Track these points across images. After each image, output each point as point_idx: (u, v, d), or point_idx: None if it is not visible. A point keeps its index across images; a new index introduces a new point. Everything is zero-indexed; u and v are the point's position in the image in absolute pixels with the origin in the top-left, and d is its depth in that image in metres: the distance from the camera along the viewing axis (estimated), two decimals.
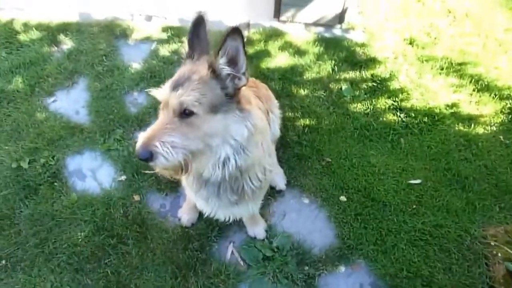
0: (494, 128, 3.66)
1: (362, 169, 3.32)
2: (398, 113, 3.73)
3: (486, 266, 2.82)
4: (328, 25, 4.62)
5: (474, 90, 3.97)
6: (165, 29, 4.47)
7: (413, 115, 3.71)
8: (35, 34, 4.33)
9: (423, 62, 4.25)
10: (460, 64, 4.22)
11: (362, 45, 4.39)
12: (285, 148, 3.41)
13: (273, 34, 4.45)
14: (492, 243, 2.88)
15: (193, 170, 1.80)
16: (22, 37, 4.31)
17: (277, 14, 4.58)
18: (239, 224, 2.95)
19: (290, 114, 3.65)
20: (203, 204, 2.29)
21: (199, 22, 1.73)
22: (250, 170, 2.01)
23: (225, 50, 1.60)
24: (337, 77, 4.03)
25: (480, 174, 3.33)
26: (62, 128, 3.52)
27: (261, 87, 2.86)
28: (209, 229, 2.92)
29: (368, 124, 3.62)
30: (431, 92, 3.94)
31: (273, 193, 3.14)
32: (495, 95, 3.91)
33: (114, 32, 4.41)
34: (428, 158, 3.43)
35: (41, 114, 3.62)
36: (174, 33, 4.42)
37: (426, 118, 3.69)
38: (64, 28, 4.42)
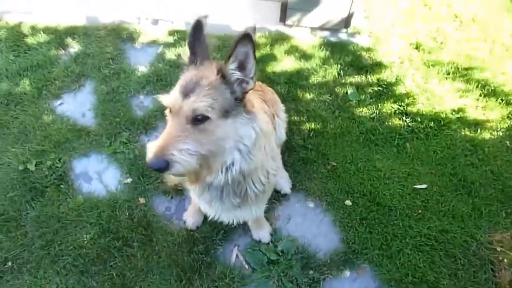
0: (501, 134, 3.64)
1: (367, 173, 3.32)
2: (404, 118, 3.72)
3: (492, 272, 2.80)
4: (334, 30, 4.62)
5: (480, 95, 3.96)
6: (171, 33, 4.49)
7: (419, 119, 3.70)
8: (42, 37, 4.36)
9: (429, 66, 4.24)
10: (466, 69, 4.21)
11: (368, 50, 4.39)
12: (290, 152, 3.41)
13: (279, 38, 4.46)
14: (498, 249, 2.87)
15: (205, 176, 1.80)
16: (30, 40, 4.34)
17: (283, 18, 4.59)
18: (244, 227, 2.95)
19: (295, 118, 3.66)
20: (206, 207, 2.29)
21: (199, 26, 1.72)
22: (253, 174, 2.01)
23: (235, 55, 1.61)
24: (343, 81, 4.03)
25: (486, 180, 3.32)
26: (68, 130, 3.54)
27: (267, 91, 2.87)
28: (214, 232, 2.93)
29: (373, 128, 3.62)
30: (437, 97, 3.93)
31: (278, 196, 3.14)
32: (502, 100, 3.90)
33: (121, 35, 4.43)
34: (434, 163, 3.42)
35: (48, 117, 3.64)
36: (180, 36, 4.43)
37: (432, 123, 3.68)
38: (72, 31, 4.45)
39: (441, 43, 4.54)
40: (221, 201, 2.10)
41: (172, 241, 2.89)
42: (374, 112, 3.77)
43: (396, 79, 4.06)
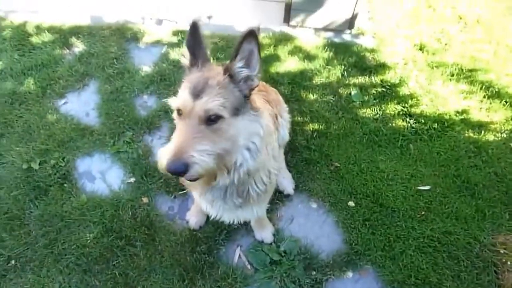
0: (505, 135, 3.63)
1: (370, 174, 3.31)
2: (408, 119, 3.71)
3: (495, 274, 2.80)
4: (338, 30, 4.61)
5: (484, 97, 3.94)
6: (175, 33, 4.50)
7: (422, 121, 3.69)
8: (47, 37, 4.38)
9: (433, 68, 4.23)
10: (470, 71, 4.19)
11: (372, 51, 4.38)
12: (293, 152, 3.41)
13: (283, 39, 4.46)
14: (502, 251, 2.86)
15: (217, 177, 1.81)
16: (35, 39, 4.36)
17: (287, 19, 4.59)
18: (246, 227, 2.96)
19: (299, 118, 3.65)
20: (208, 207, 2.29)
21: (196, 28, 1.72)
22: (256, 173, 2.01)
23: (242, 53, 1.64)
24: (346, 82, 4.03)
25: (490, 181, 3.31)
26: (72, 130, 3.56)
27: (271, 91, 2.87)
28: (216, 232, 2.93)
29: (377, 129, 3.61)
30: (441, 98, 3.92)
31: (281, 197, 3.14)
32: (506, 102, 3.88)
33: (125, 35, 4.45)
34: (438, 164, 3.41)
35: (52, 116, 3.66)
36: (184, 37, 4.37)
37: (436, 124, 3.67)
38: (76, 31, 4.46)
39: (446, 44, 4.53)
40: (223, 201, 2.10)
41: (175, 241, 2.90)
42: (377, 113, 3.76)
43: (400, 80, 4.05)
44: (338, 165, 3.35)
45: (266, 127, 1.84)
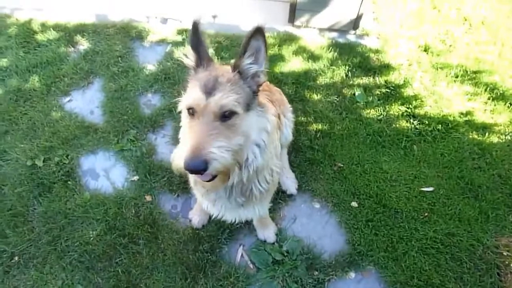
0: (509, 137, 3.62)
1: (374, 175, 3.31)
2: (412, 120, 3.71)
3: (498, 276, 2.79)
4: (343, 31, 4.61)
5: (489, 99, 3.93)
6: (180, 32, 4.50)
7: (426, 122, 3.69)
8: (52, 35, 4.39)
9: (437, 69, 4.22)
10: (475, 72, 4.18)
11: (376, 51, 4.37)
12: (297, 152, 3.41)
13: (288, 39, 4.46)
14: (505, 253, 2.85)
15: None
16: (40, 37, 4.37)
17: (292, 19, 4.59)
18: (249, 227, 2.96)
19: (302, 118, 3.65)
20: (209, 206, 2.30)
21: (197, 28, 1.73)
22: (260, 172, 2.02)
23: (250, 50, 1.67)
24: (351, 82, 4.02)
25: (493, 183, 3.30)
26: (76, 127, 3.57)
27: (275, 91, 2.87)
28: (219, 231, 2.94)
29: (381, 130, 3.61)
30: (445, 99, 3.91)
31: (284, 197, 3.15)
32: (510, 104, 3.87)
33: (130, 34, 4.46)
34: (441, 166, 3.41)
35: (57, 113, 3.67)
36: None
37: (440, 125, 3.66)
38: (81, 29, 4.48)
39: (450, 46, 4.52)
40: (227, 200, 2.10)
41: (178, 239, 2.91)
42: (381, 114, 3.76)
43: (404, 81, 4.05)
44: (342, 165, 3.35)
45: (272, 122, 1.87)
